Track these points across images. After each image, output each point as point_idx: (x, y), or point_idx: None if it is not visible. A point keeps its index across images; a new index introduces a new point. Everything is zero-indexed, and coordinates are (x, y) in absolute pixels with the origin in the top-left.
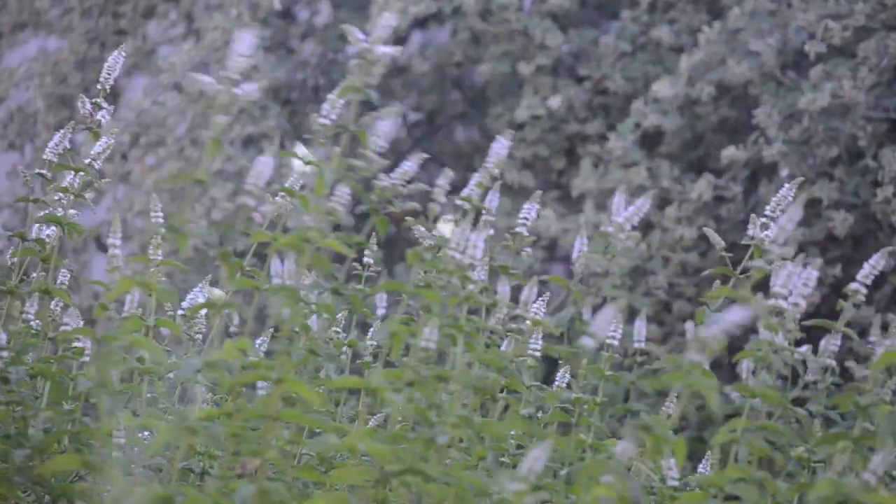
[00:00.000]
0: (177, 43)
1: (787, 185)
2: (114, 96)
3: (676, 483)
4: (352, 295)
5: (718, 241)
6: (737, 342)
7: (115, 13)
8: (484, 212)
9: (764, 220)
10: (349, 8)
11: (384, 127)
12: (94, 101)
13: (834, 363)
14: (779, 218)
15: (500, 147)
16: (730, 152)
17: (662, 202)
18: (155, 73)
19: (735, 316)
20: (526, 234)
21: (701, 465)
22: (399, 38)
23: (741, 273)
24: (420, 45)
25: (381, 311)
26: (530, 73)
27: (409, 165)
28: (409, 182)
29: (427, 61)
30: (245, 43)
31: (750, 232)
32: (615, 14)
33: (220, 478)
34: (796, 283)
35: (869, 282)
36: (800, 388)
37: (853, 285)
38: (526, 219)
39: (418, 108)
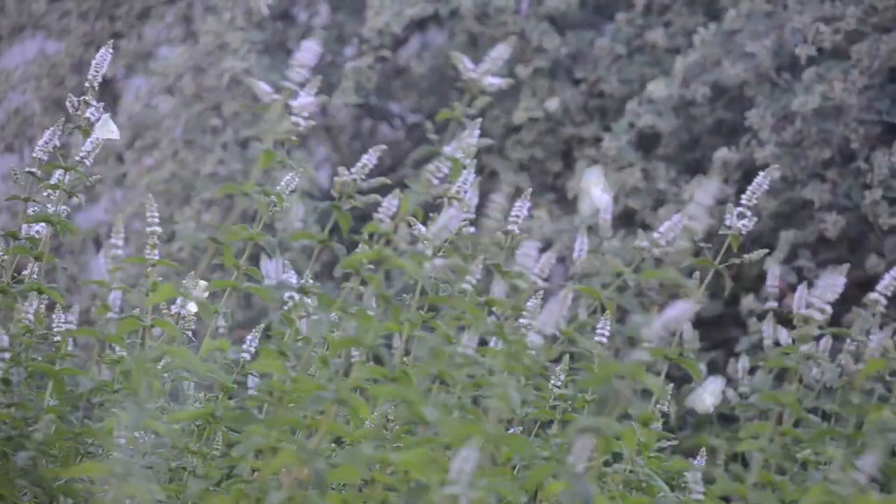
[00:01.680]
0: (175, 44)
1: (762, 174)
2: (113, 98)
3: (701, 497)
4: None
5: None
6: (728, 340)
7: (112, 16)
8: (457, 204)
9: (740, 209)
10: (348, 10)
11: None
12: (82, 98)
13: (841, 366)
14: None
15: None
16: (722, 154)
17: (657, 203)
18: (151, 75)
19: (675, 311)
20: (517, 231)
21: (695, 462)
22: (398, 41)
23: (721, 264)
24: (419, 47)
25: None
26: (528, 75)
27: (368, 158)
28: (369, 176)
29: (425, 63)
30: (306, 52)
31: (727, 222)
32: (612, 16)
33: (205, 478)
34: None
35: (889, 293)
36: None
37: (872, 296)
38: (517, 216)
39: (418, 110)
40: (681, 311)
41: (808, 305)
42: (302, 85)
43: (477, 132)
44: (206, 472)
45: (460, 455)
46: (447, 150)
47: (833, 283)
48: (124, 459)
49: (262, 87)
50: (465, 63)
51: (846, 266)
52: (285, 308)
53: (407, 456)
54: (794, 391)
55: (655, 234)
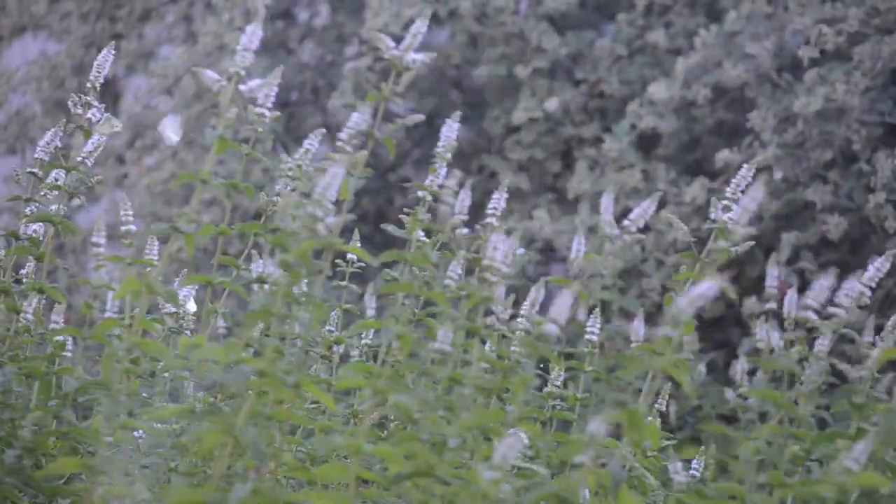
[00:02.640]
0: (175, 44)
1: (745, 166)
2: (113, 98)
3: (683, 482)
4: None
5: (682, 227)
6: (729, 342)
7: (113, 17)
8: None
9: (725, 202)
10: (348, 10)
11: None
12: (84, 98)
13: (827, 364)
14: (740, 199)
15: (450, 130)
16: (724, 155)
17: (659, 205)
18: (151, 75)
19: (703, 289)
20: (496, 223)
21: (694, 463)
22: (397, 40)
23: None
24: (418, 47)
25: (370, 312)
26: (527, 75)
27: (311, 143)
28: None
29: (425, 63)
30: (250, 36)
31: (712, 215)
32: (613, 16)
33: (188, 474)
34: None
35: (874, 284)
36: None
37: (857, 288)
38: (495, 209)
39: (418, 110)
40: (706, 289)
41: (805, 308)
42: (247, 69)
43: (456, 126)
44: (189, 470)
45: (505, 442)
46: (351, 122)
47: (830, 285)
48: (108, 456)
49: (209, 75)
50: (385, 41)
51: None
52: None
53: (382, 447)
54: (786, 391)
55: (626, 222)
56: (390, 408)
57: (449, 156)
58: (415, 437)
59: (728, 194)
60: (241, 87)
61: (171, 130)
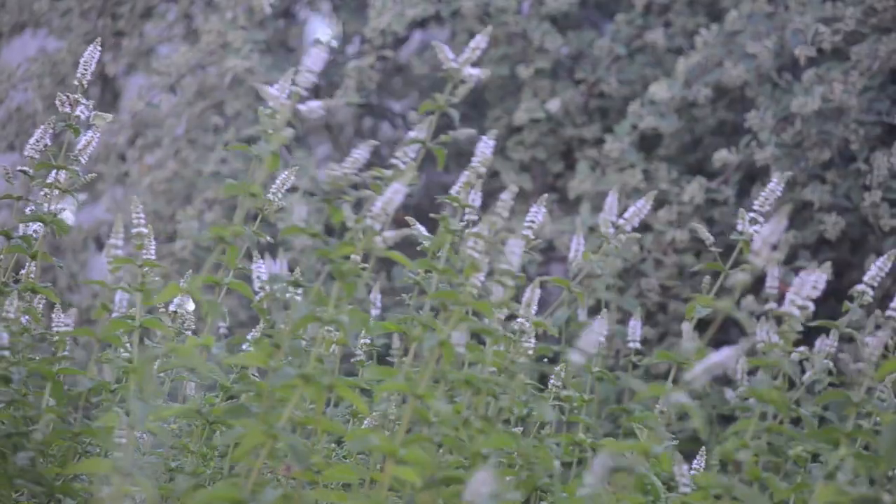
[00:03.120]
0: (176, 42)
1: (774, 180)
2: (114, 96)
3: (688, 490)
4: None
5: (708, 237)
6: (729, 342)
7: (114, 14)
8: (468, 210)
9: (753, 215)
10: (349, 9)
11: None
12: (72, 96)
13: (831, 364)
14: (763, 224)
15: (486, 147)
16: (722, 155)
17: (659, 204)
18: (152, 73)
19: (720, 357)
20: (532, 236)
21: (695, 462)
22: (400, 39)
23: (731, 269)
24: (419, 46)
25: (375, 312)
26: (529, 76)
27: (360, 153)
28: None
29: (426, 62)
30: (315, 58)
31: (739, 227)
32: (614, 15)
33: (193, 475)
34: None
35: (875, 283)
36: (798, 389)
37: (860, 287)
38: (532, 222)
39: (417, 109)
40: (725, 358)
41: (790, 303)
42: (308, 89)
43: (492, 143)
44: (195, 470)
45: (477, 478)
46: (410, 134)
47: (812, 280)
48: (126, 457)
49: (271, 92)
50: (445, 53)
51: (827, 264)
52: (256, 299)
53: (413, 451)
54: (781, 388)
55: (620, 220)
56: (416, 411)
57: (483, 170)
58: (425, 438)
59: (756, 207)
60: (301, 108)
61: (67, 213)
